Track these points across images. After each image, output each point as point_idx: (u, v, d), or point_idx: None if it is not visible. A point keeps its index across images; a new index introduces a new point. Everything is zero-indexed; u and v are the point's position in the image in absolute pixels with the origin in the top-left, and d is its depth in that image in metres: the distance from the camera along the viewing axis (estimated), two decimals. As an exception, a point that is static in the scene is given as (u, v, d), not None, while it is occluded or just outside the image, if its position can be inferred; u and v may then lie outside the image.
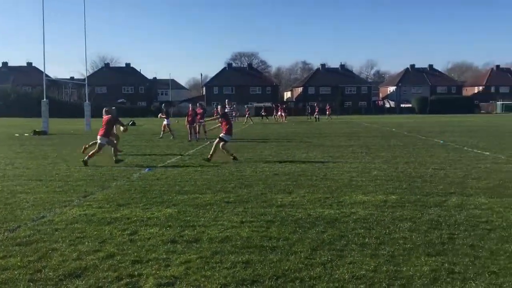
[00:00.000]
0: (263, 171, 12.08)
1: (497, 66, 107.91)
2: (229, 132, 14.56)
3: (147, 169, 12.49)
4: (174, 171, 12.17)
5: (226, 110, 21.78)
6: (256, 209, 7.69)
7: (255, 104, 79.51)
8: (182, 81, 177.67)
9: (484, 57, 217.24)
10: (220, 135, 14.53)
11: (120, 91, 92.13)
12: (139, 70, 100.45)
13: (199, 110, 23.47)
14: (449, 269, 4.87)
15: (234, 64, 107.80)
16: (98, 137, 13.87)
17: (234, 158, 14.28)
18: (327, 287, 4.41)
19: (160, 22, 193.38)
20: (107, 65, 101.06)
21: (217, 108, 15.91)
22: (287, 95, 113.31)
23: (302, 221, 6.91)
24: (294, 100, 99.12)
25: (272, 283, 4.52)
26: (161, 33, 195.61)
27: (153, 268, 4.93)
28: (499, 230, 6.36)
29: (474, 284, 4.49)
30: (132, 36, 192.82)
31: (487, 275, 4.71)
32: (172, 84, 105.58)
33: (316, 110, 52.59)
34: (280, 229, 6.45)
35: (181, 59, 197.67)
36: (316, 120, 50.54)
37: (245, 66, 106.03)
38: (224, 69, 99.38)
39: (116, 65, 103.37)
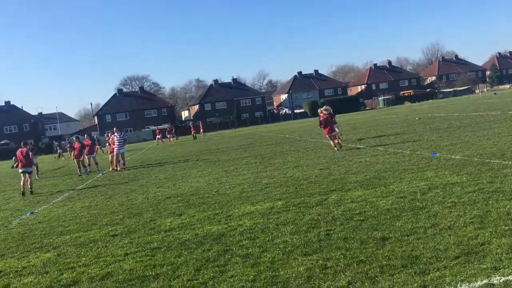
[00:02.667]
0: (155, 196, 11.85)
1: (375, 65, 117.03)
2: None
3: (28, 213, 11.63)
4: (59, 210, 11.48)
5: (116, 137, 21.48)
6: (143, 237, 7.51)
7: (152, 127, 77.93)
8: (71, 113, 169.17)
9: (363, 57, 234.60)
10: None
11: (2, 131, 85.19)
12: (21, 107, 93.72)
13: (86, 142, 22.46)
14: (323, 265, 5.13)
15: (125, 89, 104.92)
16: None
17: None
18: (205, 306, 4.41)
19: (37, 53, 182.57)
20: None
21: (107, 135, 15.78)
22: (184, 114, 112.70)
23: (189, 242, 6.87)
24: (191, 118, 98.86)
25: (151, 313, 4.42)
26: (39, 65, 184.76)
27: (22, 322, 4.57)
28: (370, 219, 6.84)
29: (344, 276, 4.76)
30: (9, 70, 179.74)
31: (355, 265, 5.03)
32: (60, 117, 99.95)
33: (193, 129, 52.04)
34: (165, 255, 6.34)
35: (67, 90, 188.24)
36: (194, 138, 49.58)
37: (136, 90, 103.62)
38: (114, 95, 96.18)
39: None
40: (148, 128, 72.12)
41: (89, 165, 22.00)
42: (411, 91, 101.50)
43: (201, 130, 54.64)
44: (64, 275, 5.99)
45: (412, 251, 5.21)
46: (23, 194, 15.68)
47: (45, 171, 27.28)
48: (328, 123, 17.75)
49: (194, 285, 5.04)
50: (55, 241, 8.04)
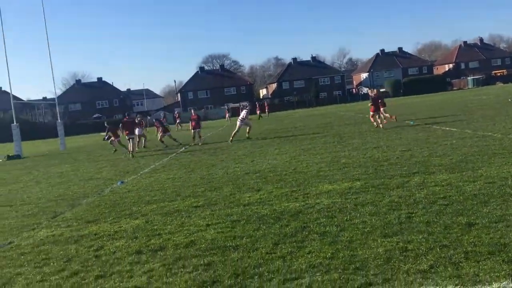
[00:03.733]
0: (235, 171, 12.18)
1: (465, 42, 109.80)
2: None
3: (119, 182, 12.48)
4: (146, 181, 12.19)
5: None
6: (223, 210, 7.79)
7: (231, 105, 79.51)
8: (157, 89, 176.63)
9: (452, 35, 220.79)
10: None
11: (95, 106, 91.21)
12: (111, 83, 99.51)
13: (192, 117, 23.53)
14: (403, 248, 5.04)
15: (206, 67, 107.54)
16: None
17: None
18: (284, 279, 4.53)
19: (128, 32, 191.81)
20: (78, 81, 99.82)
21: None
22: (262, 92, 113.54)
23: (267, 217, 7.03)
24: (270, 96, 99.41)
25: (232, 281, 4.63)
26: (130, 43, 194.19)
27: (115, 281, 4.99)
28: (455, 204, 6.57)
29: (425, 259, 4.66)
30: (102, 50, 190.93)
31: (438, 249, 4.89)
32: (146, 93, 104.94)
33: (258, 108, 51.40)
34: (245, 228, 6.56)
35: (154, 67, 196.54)
36: (259, 118, 49.05)
37: (217, 68, 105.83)
38: (197, 73, 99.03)
39: (88, 81, 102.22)
40: (227, 105, 73.46)
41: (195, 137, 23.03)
42: (504, 70, 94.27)
43: (266, 110, 54.37)
44: (152, 240, 6.41)
45: (501, 238, 4.96)
46: (132, 156, 19.86)
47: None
48: (376, 103, 20.93)
49: (273, 258, 5.18)
50: (143, 209, 8.59)
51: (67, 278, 5.26)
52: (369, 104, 21.74)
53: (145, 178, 12.75)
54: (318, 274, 4.59)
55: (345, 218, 6.47)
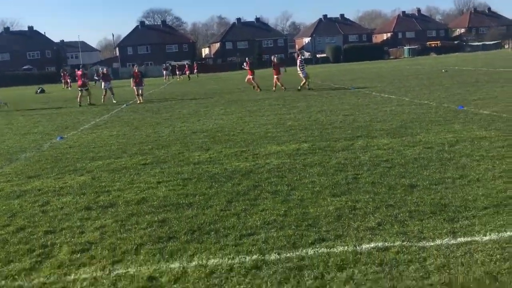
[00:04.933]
0: (181, 130, 12.05)
1: (403, 12, 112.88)
2: None
3: (58, 137, 11.98)
4: (88, 137, 11.79)
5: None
6: (173, 168, 7.75)
7: (173, 63, 77.58)
8: (93, 42, 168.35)
9: (391, 4, 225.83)
10: None
11: (25, 57, 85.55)
12: (44, 34, 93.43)
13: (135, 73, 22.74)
14: (352, 206, 5.30)
15: (147, 22, 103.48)
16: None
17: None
18: (240, 235, 4.64)
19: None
20: (7, 29, 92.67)
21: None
22: (205, 51, 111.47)
23: (219, 175, 7.09)
24: (212, 56, 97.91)
25: (188, 237, 4.67)
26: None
27: (66, 237, 4.88)
28: (397, 167, 6.93)
29: (373, 217, 4.93)
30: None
31: (384, 208, 5.18)
32: (82, 46, 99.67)
33: (187, 69, 50.52)
34: (197, 186, 6.58)
35: (90, 19, 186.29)
36: (188, 79, 47.68)
37: (159, 23, 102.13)
38: (136, 27, 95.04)
39: (17, 29, 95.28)
40: (168, 63, 71.34)
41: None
42: (438, 42, 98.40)
43: (195, 71, 53.34)
44: (101, 197, 6.28)
45: (441, 199, 5.33)
46: (80, 106, 21.40)
47: (70, 98, 27.63)
48: (277, 68, 24.20)
49: (227, 215, 5.27)
50: (88, 165, 8.35)
51: (13, 233, 5.08)
52: (272, 70, 24.88)
53: (86, 135, 12.33)
54: (273, 230, 4.74)
55: (295, 178, 6.66)
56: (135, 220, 5.28)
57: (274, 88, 24.06)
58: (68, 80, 45.49)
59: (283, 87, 23.26)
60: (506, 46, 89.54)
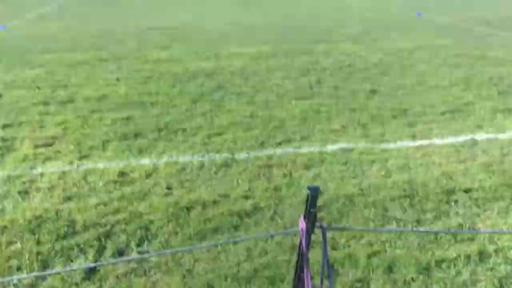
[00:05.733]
0: (138, 25, 11.45)
1: None
2: None
3: (1, 27, 11.08)
4: (35, 28, 11.00)
5: None
6: (131, 65, 7.47)
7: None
8: None
9: None
10: None
11: None
12: None
13: None
14: (316, 110, 5.39)
15: None
16: None
17: None
18: (208, 134, 4.65)
19: None
20: None
21: None
22: None
23: (181, 75, 6.92)
24: None
25: (155, 135, 4.64)
26: None
27: (27, 131, 4.72)
28: (359, 72, 7.02)
29: (337, 120, 5.06)
30: None
31: (347, 112, 5.31)
32: None
33: None
34: (159, 84, 6.42)
35: None
36: None
37: None
38: None
39: None
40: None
41: None
42: None
43: None
44: (58, 92, 6.02)
45: (401, 104, 5.51)
46: None
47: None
48: None
49: (194, 115, 5.23)
50: (38, 58, 7.87)
51: (-33, 127, 4.84)
52: None
53: (32, 25, 11.47)
54: (240, 130, 4.78)
55: (259, 80, 6.62)
56: (98, 116, 5.15)
57: None
58: None
59: None
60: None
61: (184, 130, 4.78)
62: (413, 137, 4.55)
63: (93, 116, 5.16)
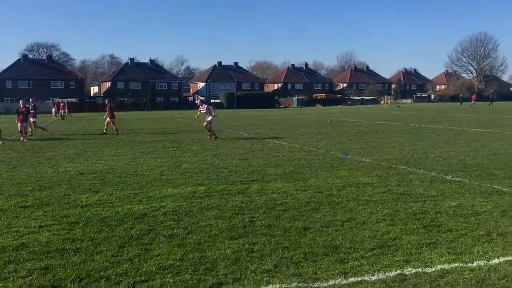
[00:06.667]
0: (67, 171, 11.29)
1: (293, 65, 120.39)
2: None
3: None
4: (-43, 176, 10.51)
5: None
6: (57, 211, 7.17)
7: (58, 100, 73.50)
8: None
9: (282, 57, 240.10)
10: None
11: None
12: None
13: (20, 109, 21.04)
14: (249, 249, 5.30)
15: (31, 56, 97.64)
16: None
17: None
18: (134, 282, 4.37)
19: None
20: None
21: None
22: (94, 90, 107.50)
23: (109, 219, 6.70)
24: (101, 95, 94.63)
25: (75, 285, 4.29)
26: None
27: None
28: (291, 210, 7.15)
29: (270, 259, 4.97)
30: None
31: (280, 250, 5.27)
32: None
33: (61, 108, 46.77)
34: (85, 230, 6.14)
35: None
36: (62, 118, 44.82)
37: (44, 58, 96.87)
38: (18, 60, 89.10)
39: None
40: (52, 99, 66.94)
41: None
42: (323, 94, 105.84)
43: (66, 110, 47.85)
44: (-29, 243, 5.57)
45: (332, 241, 5.56)
46: None
47: None
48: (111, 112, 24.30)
49: (119, 260, 4.96)
50: (-44, 208, 7.40)
51: None
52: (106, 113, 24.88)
53: (-45, 173, 10.99)
54: (169, 275, 4.54)
55: (192, 221, 6.53)
56: (13, 267, 4.74)
57: (105, 129, 24.44)
58: None
59: (116, 131, 23.72)
60: (382, 102, 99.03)
61: (107, 278, 4.47)
62: (345, 274, 4.52)
63: (7, 267, 4.75)
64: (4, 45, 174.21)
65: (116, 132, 23.64)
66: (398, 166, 11.37)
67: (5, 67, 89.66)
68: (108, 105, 25.07)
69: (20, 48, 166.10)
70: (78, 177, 10.32)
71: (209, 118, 19.97)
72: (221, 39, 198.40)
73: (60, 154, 15.00)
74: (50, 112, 48.62)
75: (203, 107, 20.67)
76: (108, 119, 24.40)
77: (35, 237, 5.79)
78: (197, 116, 22.61)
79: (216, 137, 19.74)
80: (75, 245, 5.48)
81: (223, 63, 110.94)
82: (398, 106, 76.99)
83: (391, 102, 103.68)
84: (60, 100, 55.78)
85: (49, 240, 5.67)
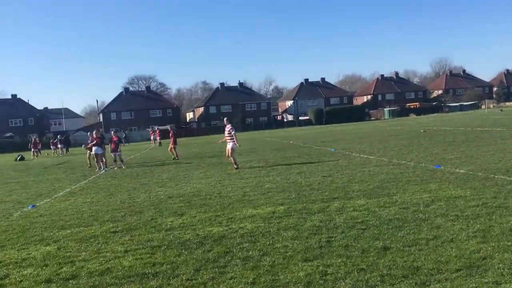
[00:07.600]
0: (157, 195, 11.85)
1: (382, 76, 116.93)
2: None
3: (30, 206, 11.65)
4: (61, 204, 11.49)
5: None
6: (143, 235, 7.50)
7: (157, 127, 78.14)
8: (77, 109, 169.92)
9: (370, 68, 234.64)
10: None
11: (7, 124, 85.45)
12: (27, 101, 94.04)
13: (114, 138, 22.48)
14: (323, 272, 5.11)
15: (131, 88, 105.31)
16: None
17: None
18: (204, 307, 4.40)
19: (43, 48, 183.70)
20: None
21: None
22: (189, 116, 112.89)
23: (190, 242, 6.87)
24: (196, 120, 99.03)
25: (149, 310, 4.41)
26: (49, 60, 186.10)
27: (20, 313, 4.57)
28: (372, 228, 6.81)
29: (344, 283, 4.74)
30: (17, 66, 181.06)
31: (356, 272, 5.01)
32: (66, 112, 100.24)
33: (157, 134, 47.17)
34: (166, 253, 6.34)
35: (74, 86, 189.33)
36: (159, 145, 43.74)
37: (143, 89, 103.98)
38: (121, 93, 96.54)
39: (1, 97, 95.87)
40: (152, 127, 71.37)
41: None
42: (417, 103, 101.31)
43: (158, 138, 46.97)
44: (64, 268, 5.99)
45: (414, 261, 5.18)
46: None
47: (49, 165, 27.33)
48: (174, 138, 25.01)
49: (193, 284, 5.03)
50: (56, 234, 8.05)
51: (-38, 311, 4.75)
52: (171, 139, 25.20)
53: (59, 202, 12.02)
54: (239, 300, 4.51)
55: (268, 243, 6.47)
56: (96, 292, 5.00)
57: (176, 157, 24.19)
58: (32, 148, 40.79)
59: (176, 157, 23.95)
60: (483, 107, 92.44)
61: (180, 303, 4.53)
62: (425, 299, 4.16)
63: (91, 292, 5.01)
64: (110, 81, 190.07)
65: (175, 158, 24.00)
66: (496, 176, 10.43)
67: (109, 100, 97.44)
68: (171, 131, 25.58)
69: (123, 82, 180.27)
70: (167, 201, 10.77)
71: (231, 144, 17.02)
72: (306, 55, 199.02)
73: (154, 179, 15.80)
74: (145, 141, 51.31)
75: (228, 128, 17.37)
76: (170, 145, 24.87)
77: (120, 262, 6.09)
78: (222, 141, 19.66)
79: (237, 167, 16.77)
80: (154, 269, 5.67)
81: (310, 80, 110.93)
82: (501, 110, 71.36)
83: (493, 106, 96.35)
84: (156, 127, 58.58)
85: (132, 265, 5.93)
